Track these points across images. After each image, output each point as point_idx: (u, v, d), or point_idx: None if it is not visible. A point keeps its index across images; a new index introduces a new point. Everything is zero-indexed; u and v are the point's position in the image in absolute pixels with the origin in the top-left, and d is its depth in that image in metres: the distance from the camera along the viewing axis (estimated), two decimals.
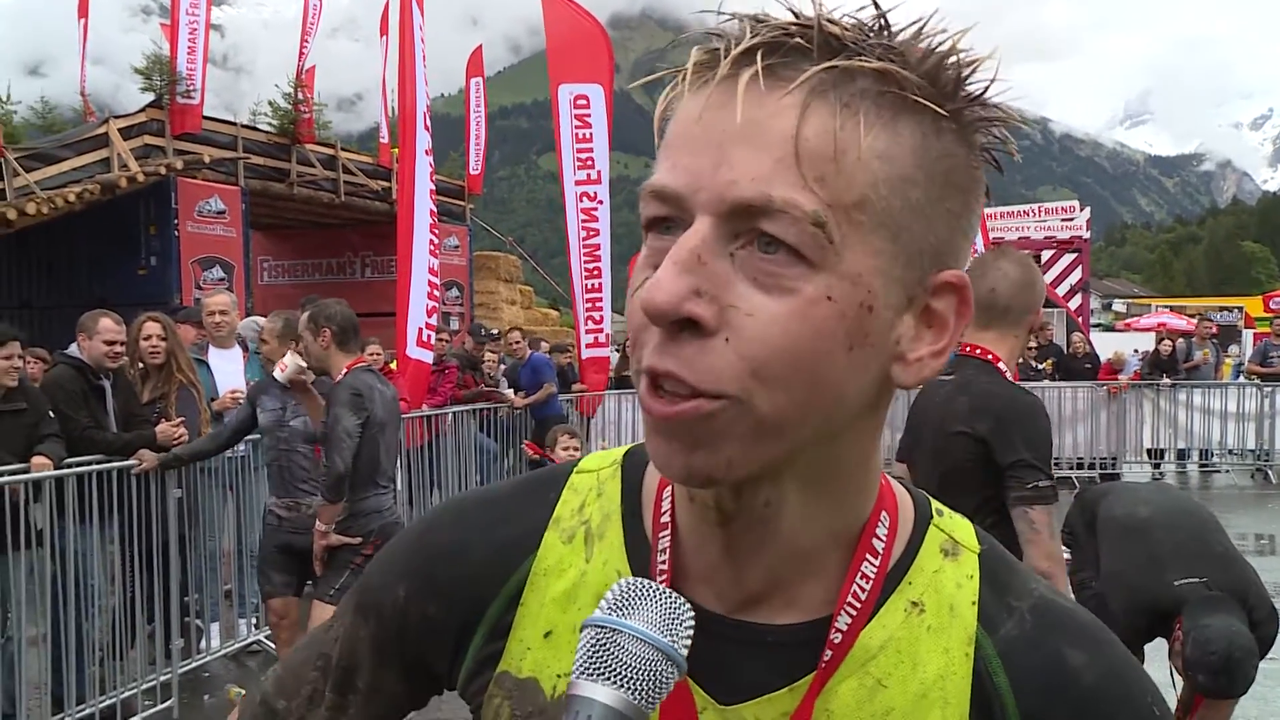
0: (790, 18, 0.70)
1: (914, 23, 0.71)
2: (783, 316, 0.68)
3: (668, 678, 0.72)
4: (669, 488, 0.84)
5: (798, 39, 0.69)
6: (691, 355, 0.69)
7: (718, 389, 0.68)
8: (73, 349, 5.88)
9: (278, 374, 5.17)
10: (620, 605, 0.74)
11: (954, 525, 0.86)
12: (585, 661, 0.72)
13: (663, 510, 0.83)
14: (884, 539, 0.81)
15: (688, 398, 0.69)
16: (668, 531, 0.82)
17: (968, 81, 0.72)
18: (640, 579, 0.77)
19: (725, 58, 0.70)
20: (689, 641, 0.75)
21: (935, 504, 0.88)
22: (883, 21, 0.71)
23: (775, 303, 0.68)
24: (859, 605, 0.79)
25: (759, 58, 0.68)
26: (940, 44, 0.71)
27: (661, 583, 0.80)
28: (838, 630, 0.79)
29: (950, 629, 0.80)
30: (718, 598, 0.81)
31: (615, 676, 0.71)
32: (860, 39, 0.70)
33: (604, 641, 0.72)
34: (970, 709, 0.79)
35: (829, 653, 0.78)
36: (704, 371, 0.68)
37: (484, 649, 0.87)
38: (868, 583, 0.80)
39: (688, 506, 0.81)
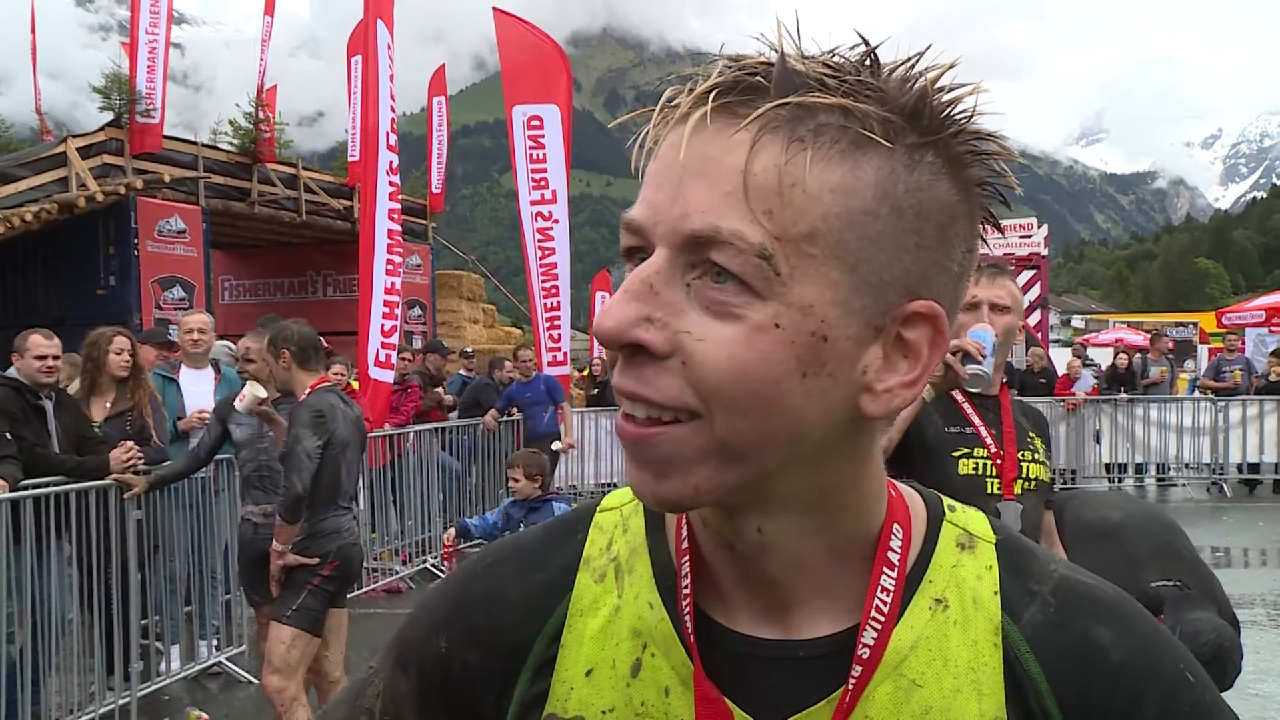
0: (767, 55, 0.72)
1: (906, 60, 0.73)
2: (730, 342, 0.70)
3: None
4: (686, 515, 0.85)
5: (759, 77, 0.71)
6: (650, 376, 0.72)
7: (679, 403, 0.71)
8: (11, 371, 5.85)
9: (238, 404, 5.32)
10: None
11: (967, 519, 0.87)
12: None
13: (683, 537, 0.84)
14: (898, 550, 0.82)
15: (653, 422, 0.72)
16: (689, 558, 0.83)
17: (951, 114, 0.73)
18: None
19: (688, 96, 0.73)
20: None
21: (947, 500, 0.88)
22: (871, 59, 0.73)
23: (724, 329, 0.70)
24: (883, 617, 0.80)
25: (710, 98, 0.71)
26: (925, 78, 0.72)
27: (685, 606, 0.82)
28: (865, 645, 0.79)
29: (975, 621, 0.81)
30: (747, 618, 0.82)
31: None
32: (829, 75, 0.71)
33: None
34: (1005, 698, 0.79)
35: (858, 668, 0.79)
36: (663, 389, 0.71)
37: (529, 691, 0.87)
38: (888, 595, 0.80)
39: (703, 532, 0.83)
